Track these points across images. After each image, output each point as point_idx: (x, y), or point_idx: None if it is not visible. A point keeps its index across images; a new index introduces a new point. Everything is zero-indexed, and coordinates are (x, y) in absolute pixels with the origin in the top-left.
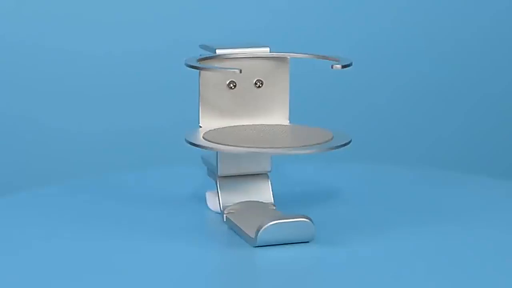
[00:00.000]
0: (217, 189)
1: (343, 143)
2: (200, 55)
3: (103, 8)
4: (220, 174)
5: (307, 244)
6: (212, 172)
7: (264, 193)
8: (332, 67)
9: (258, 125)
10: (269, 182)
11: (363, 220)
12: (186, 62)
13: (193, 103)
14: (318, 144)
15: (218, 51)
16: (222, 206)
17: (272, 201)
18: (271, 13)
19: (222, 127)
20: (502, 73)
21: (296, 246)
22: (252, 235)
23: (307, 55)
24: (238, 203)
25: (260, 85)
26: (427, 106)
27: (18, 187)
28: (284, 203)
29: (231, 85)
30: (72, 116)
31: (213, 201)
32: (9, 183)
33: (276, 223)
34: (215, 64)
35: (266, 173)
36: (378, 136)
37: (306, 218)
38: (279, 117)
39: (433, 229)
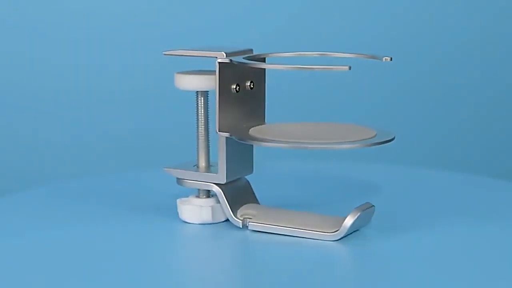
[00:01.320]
0: (224, 197)
1: (386, 139)
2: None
3: (101, 7)
4: (227, 180)
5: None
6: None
7: (250, 194)
8: (383, 60)
9: (299, 123)
10: (250, 184)
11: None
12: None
13: (191, 104)
14: (362, 140)
15: (229, 56)
16: (233, 213)
17: (258, 201)
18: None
19: (266, 125)
20: (503, 73)
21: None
22: (329, 230)
23: (351, 54)
24: (243, 208)
25: (253, 87)
26: (426, 106)
27: (17, 187)
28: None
29: (237, 88)
30: (71, 116)
31: (197, 212)
32: (8, 183)
33: (362, 214)
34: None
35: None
36: None
37: (372, 205)
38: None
39: (441, 229)
